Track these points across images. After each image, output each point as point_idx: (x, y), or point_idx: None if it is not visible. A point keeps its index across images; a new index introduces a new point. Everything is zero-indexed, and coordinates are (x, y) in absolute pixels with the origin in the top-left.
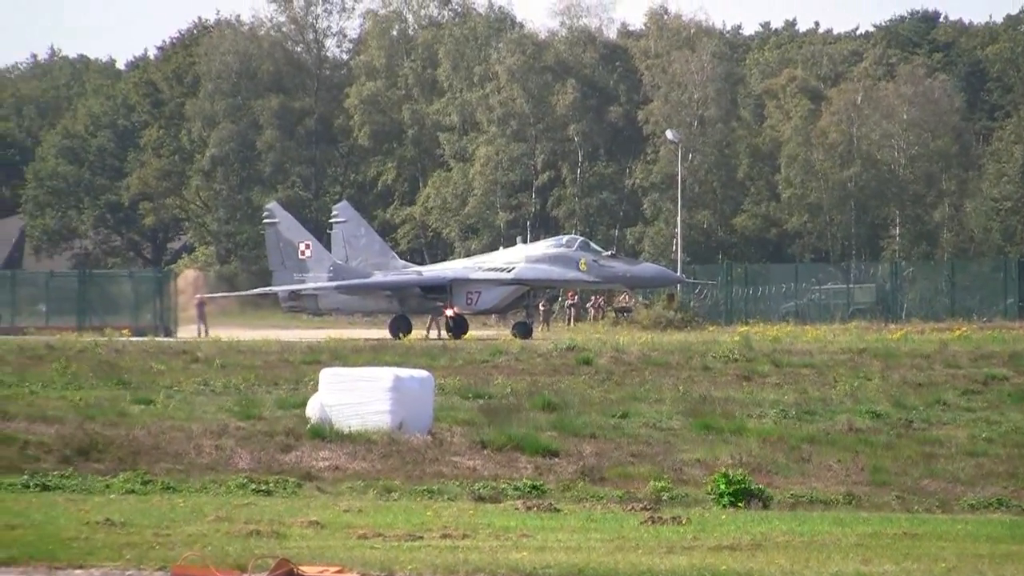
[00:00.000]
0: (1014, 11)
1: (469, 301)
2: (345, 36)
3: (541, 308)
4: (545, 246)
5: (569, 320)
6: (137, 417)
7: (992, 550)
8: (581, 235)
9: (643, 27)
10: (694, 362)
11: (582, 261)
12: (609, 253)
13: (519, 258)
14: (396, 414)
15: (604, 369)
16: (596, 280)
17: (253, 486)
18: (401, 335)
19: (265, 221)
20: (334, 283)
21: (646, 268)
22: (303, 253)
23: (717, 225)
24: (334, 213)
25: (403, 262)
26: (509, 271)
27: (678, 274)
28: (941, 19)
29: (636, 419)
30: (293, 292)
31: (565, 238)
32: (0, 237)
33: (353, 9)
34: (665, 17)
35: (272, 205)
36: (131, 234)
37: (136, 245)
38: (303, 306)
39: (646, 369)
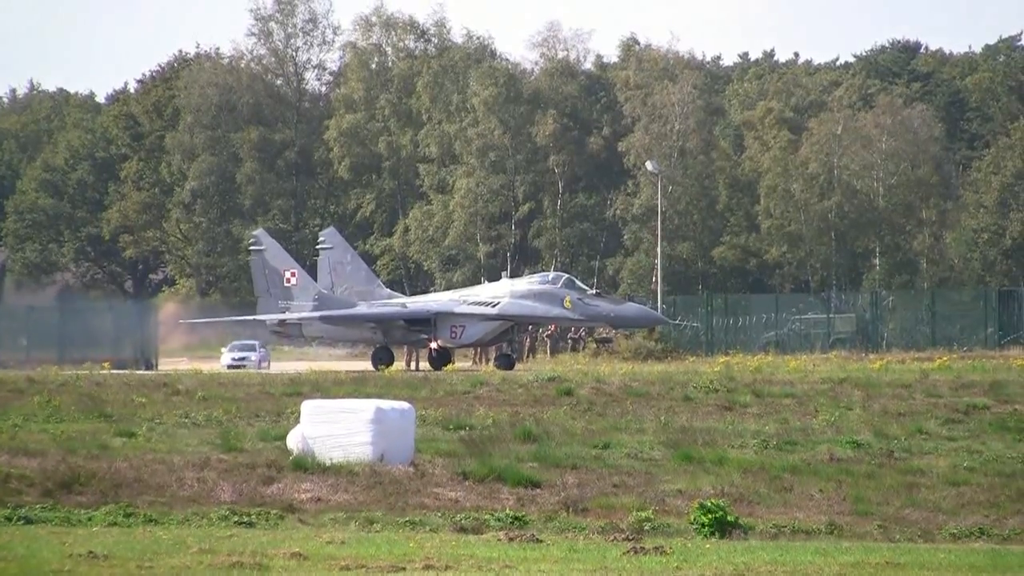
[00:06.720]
0: (992, 41)
1: (453, 334)
2: (325, 69)
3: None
4: (530, 282)
5: (533, 353)
6: (119, 450)
7: None
8: (561, 266)
9: (618, 59)
10: (675, 393)
11: (567, 299)
12: (594, 292)
13: (504, 293)
14: (377, 446)
15: (585, 400)
16: (580, 318)
17: (235, 518)
18: (383, 367)
19: (251, 248)
20: (318, 313)
21: (630, 308)
22: (288, 281)
23: (697, 256)
24: (320, 239)
25: (388, 291)
26: (494, 306)
27: (661, 315)
28: (921, 49)
29: (618, 450)
30: (279, 320)
31: (551, 275)
32: None
33: (333, 42)
34: (636, 48)
35: (259, 232)
36: (112, 267)
37: (117, 278)
38: (288, 333)
39: (627, 400)
